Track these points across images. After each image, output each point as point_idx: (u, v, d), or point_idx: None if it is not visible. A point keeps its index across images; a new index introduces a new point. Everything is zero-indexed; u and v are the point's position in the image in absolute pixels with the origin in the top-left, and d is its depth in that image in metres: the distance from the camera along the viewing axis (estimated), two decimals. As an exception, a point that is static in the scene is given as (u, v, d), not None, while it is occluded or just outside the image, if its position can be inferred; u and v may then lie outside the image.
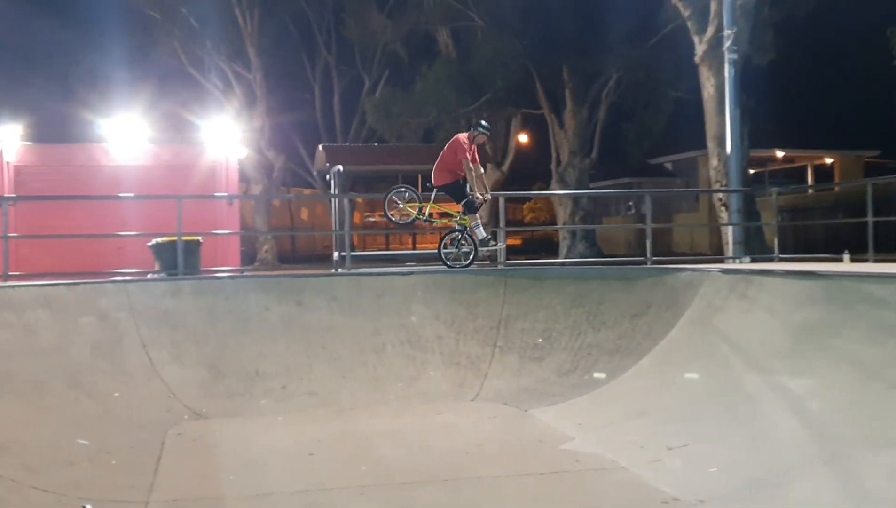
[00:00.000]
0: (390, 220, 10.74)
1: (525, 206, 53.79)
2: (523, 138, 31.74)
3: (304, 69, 34.57)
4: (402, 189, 10.85)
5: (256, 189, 32.33)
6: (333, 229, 20.06)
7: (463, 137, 10.29)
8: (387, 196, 10.72)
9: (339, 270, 13.79)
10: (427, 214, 10.58)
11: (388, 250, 29.51)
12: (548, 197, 40.49)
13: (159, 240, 11.97)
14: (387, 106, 28.30)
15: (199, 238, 12.21)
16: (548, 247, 35.65)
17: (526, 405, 7.99)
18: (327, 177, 19.33)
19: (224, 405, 7.92)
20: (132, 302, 8.75)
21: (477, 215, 10.43)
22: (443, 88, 27.02)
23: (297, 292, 9.42)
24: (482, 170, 10.53)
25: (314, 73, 34.63)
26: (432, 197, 10.61)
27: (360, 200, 30.78)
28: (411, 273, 10.08)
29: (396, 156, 20.24)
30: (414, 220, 10.66)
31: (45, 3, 33.75)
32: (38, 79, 34.28)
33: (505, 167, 30.55)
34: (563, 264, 21.64)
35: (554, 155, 28.59)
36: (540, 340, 9.06)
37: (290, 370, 8.54)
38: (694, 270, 9.33)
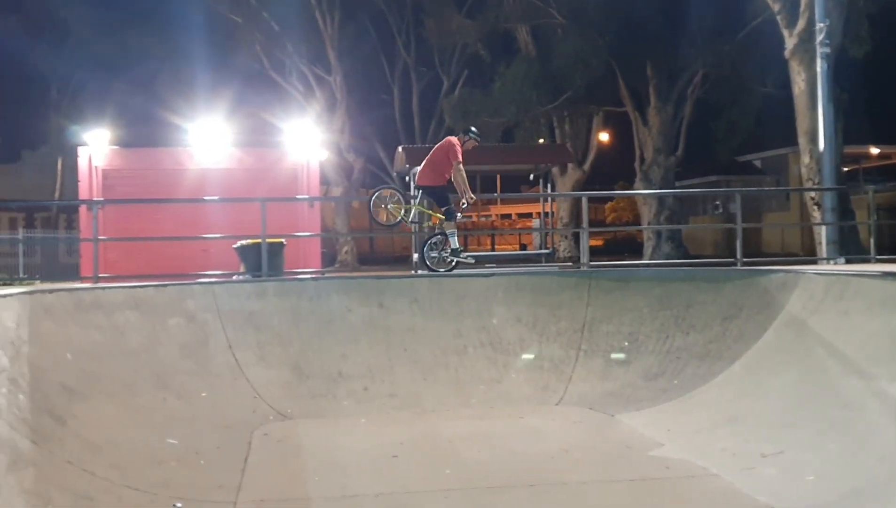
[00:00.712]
0: (376, 221, 10.56)
1: (607, 206, 53.08)
2: (604, 137, 31.32)
3: (384, 71, 34.85)
4: (388, 190, 10.72)
5: (336, 191, 32.73)
6: (412, 230, 20.11)
7: (455, 140, 10.12)
8: (371, 197, 10.52)
9: (419, 271, 13.79)
10: (413, 215, 10.41)
11: (465, 251, 29.48)
12: (631, 196, 39.89)
13: (244, 242, 12.15)
14: (465, 106, 28.32)
15: (283, 240, 12.35)
16: (631, 248, 35.10)
17: (612, 409, 7.82)
18: (406, 178, 19.35)
19: (308, 405, 7.99)
20: (218, 304, 8.89)
21: (455, 222, 10.24)
22: (522, 86, 26.90)
23: (379, 294, 9.43)
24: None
25: (393, 74, 34.87)
26: (418, 199, 10.44)
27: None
28: (492, 275, 10.00)
29: (475, 156, 20.11)
30: (399, 221, 10.45)
31: (131, 10, 34.82)
32: (124, 84, 35.51)
33: (586, 166, 30.23)
34: (647, 265, 21.21)
35: (638, 153, 28.15)
36: (626, 343, 8.86)
37: (372, 372, 8.56)
38: (787, 271, 8.98)
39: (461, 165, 9.88)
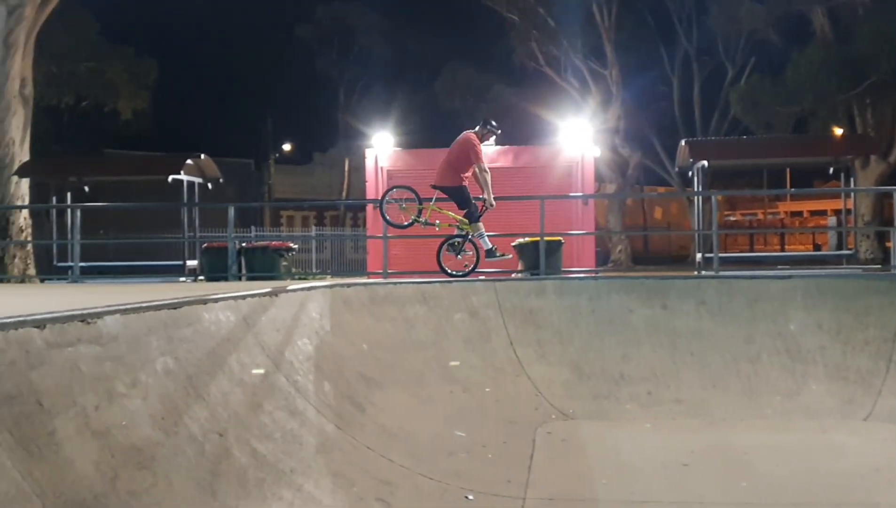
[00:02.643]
0: (387, 221, 9.88)
1: (913, 202, 47.67)
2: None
3: (662, 62, 33.77)
4: (401, 189, 9.92)
5: (610, 188, 32.25)
6: (694, 228, 19.29)
7: (472, 135, 9.26)
8: (383, 197, 9.88)
9: (703, 272, 13.17)
10: (427, 217, 9.56)
11: (751, 251, 27.85)
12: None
13: (522, 240, 12.30)
14: (753, 95, 26.73)
15: (561, 238, 12.35)
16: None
17: (931, 430, 6.94)
18: (690, 174, 18.57)
19: (589, 406, 7.88)
20: (500, 300, 9.07)
21: (480, 222, 9.37)
22: (818, 73, 24.83)
23: (662, 295, 9.12)
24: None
25: (672, 65, 33.67)
26: (433, 199, 9.59)
27: (719, 197, 29.53)
28: (790, 277, 9.27)
29: (768, 149, 18.85)
30: (412, 223, 9.62)
31: (412, 16, 36.86)
32: (405, 86, 37.70)
33: (892, 158, 27.31)
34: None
35: (953, 143, 25.01)
36: (949, 356, 7.83)
37: (657, 376, 8.28)
38: None
39: (484, 166, 9.24)
